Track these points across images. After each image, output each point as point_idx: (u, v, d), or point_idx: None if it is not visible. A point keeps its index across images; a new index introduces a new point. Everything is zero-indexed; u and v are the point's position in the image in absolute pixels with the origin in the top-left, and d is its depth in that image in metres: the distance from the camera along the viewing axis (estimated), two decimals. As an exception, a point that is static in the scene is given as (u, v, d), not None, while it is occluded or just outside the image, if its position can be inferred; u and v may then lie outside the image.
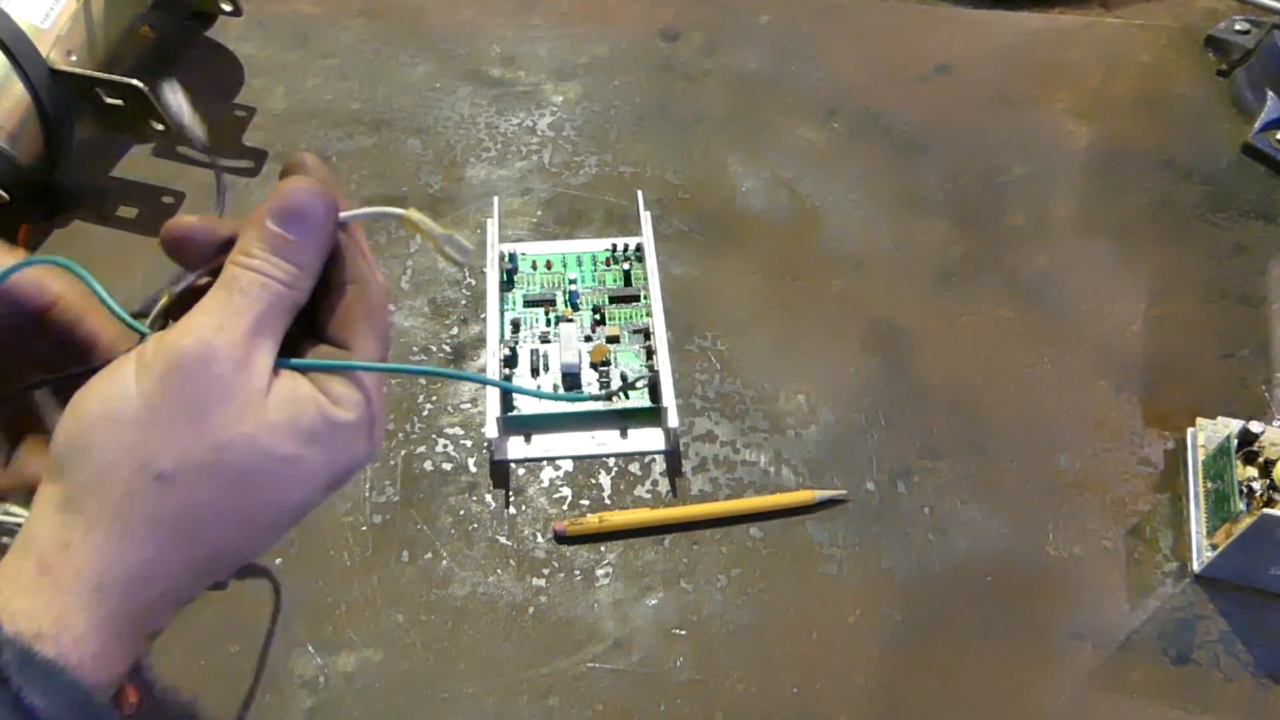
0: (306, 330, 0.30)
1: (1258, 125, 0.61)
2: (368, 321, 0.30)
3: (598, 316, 0.52)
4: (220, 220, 0.30)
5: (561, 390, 0.49)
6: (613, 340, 0.51)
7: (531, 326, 0.51)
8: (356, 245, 0.30)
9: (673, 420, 0.46)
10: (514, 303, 0.52)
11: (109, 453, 0.26)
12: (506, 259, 0.54)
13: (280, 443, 0.27)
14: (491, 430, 0.46)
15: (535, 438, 0.48)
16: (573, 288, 0.52)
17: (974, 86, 0.65)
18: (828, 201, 0.59)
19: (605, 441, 0.48)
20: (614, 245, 0.54)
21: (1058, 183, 0.60)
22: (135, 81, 0.53)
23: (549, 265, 0.54)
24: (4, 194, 0.51)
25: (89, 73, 0.54)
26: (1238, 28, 0.66)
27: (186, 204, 0.57)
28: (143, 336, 0.29)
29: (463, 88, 0.64)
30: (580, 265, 0.54)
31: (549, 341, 0.51)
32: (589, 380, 0.49)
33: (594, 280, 0.53)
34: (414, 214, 0.30)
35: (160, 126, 0.55)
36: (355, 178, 0.59)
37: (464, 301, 0.54)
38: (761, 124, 0.63)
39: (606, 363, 0.50)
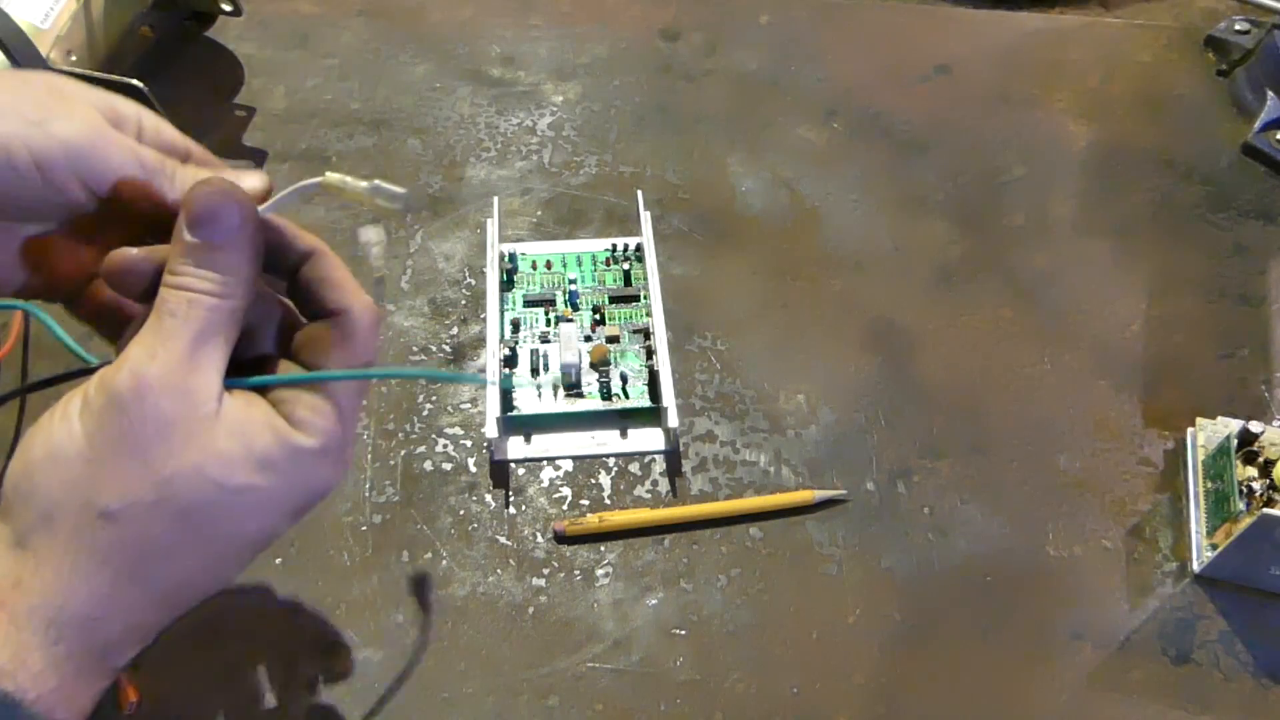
0: (283, 353, 0.29)
1: (1258, 125, 0.61)
2: (345, 349, 0.29)
3: (598, 316, 0.52)
4: (163, 248, 0.29)
5: (562, 391, 0.49)
6: (613, 340, 0.51)
7: (531, 326, 0.51)
8: (332, 265, 0.29)
9: (673, 420, 0.46)
10: (514, 303, 0.52)
11: (54, 492, 0.26)
12: (506, 259, 0.54)
13: (232, 472, 0.26)
14: (491, 430, 0.46)
15: (535, 438, 0.48)
16: (572, 288, 0.52)
17: (974, 86, 0.65)
18: (828, 201, 0.59)
19: (605, 441, 0.48)
20: (614, 245, 0.54)
21: (1058, 183, 0.60)
22: (135, 81, 0.53)
23: (549, 265, 0.54)
24: (4, 194, 0.51)
25: (89, 73, 0.54)
26: (1238, 28, 0.66)
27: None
28: (92, 370, 0.28)
29: (463, 88, 0.64)
30: (580, 265, 0.54)
31: (549, 341, 0.51)
32: (589, 381, 0.49)
33: (594, 280, 0.53)
34: (331, 177, 0.29)
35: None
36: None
37: (464, 301, 0.54)
38: (761, 124, 0.63)
39: (606, 363, 0.50)
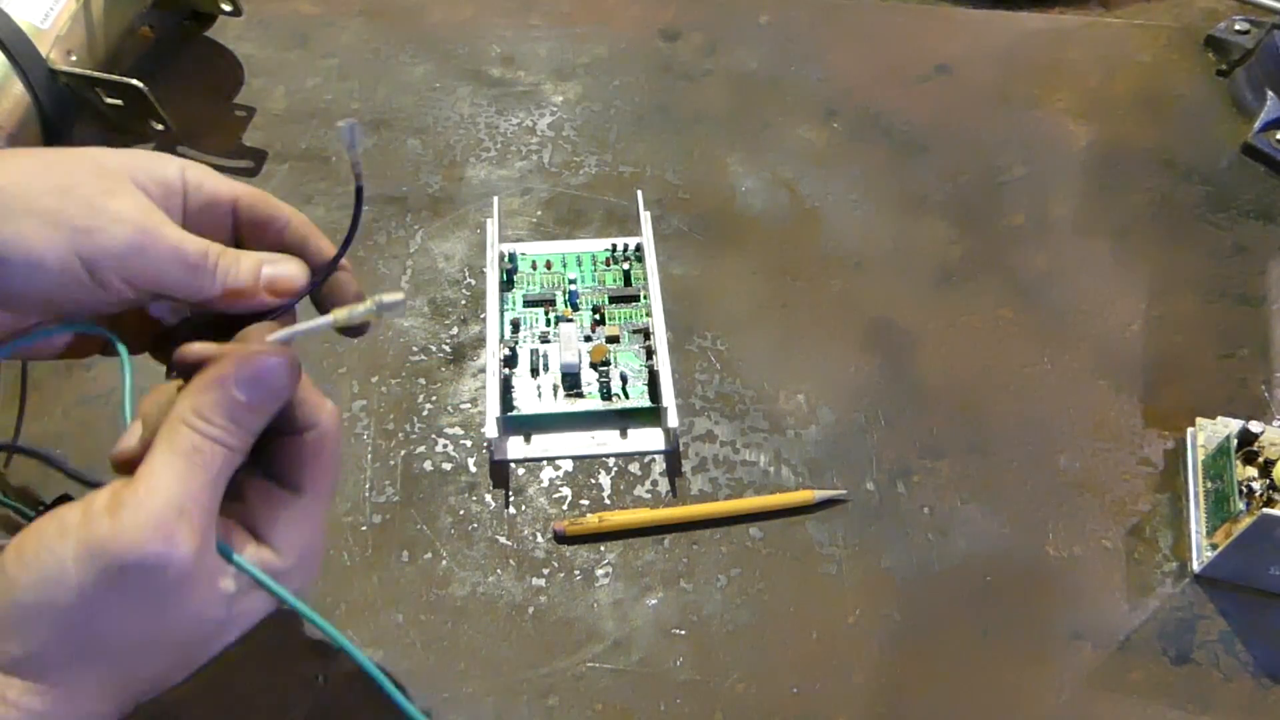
0: (251, 462, 0.29)
1: (1258, 125, 0.61)
2: (320, 467, 0.29)
3: (597, 316, 0.52)
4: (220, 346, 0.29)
5: (562, 391, 0.49)
6: (612, 340, 0.51)
7: (531, 326, 0.51)
8: (302, 385, 0.29)
9: (672, 420, 0.46)
10: (514, 303, 0.52)
11: (45, 633, 0.25)
12: (506, 259, 0.54)
13: (226, 607, 0.27)
14: (491, 430, 0.46)
15: (535, 438, 0.48)
16: (572, 288, 0.52)
17: (974, 86, 0.65)
18: (828, 201, 0.59)
19: (605, 441, 0.48)
20: (614, 245, 0.54)
21: (1058, 183, 0.60)
22: (135, 81, 0.53)
23: (549, 265, 0.54)
24: (4, 194, 0.51)
25: (89, 73, 0.54)
26: (1238, 28, 0.66)
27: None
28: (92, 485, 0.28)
29: (463, 88, 0.64)
30: (580, 265, 0.54)
31: (549, 341, 0.51)
32: (589, 380, 0.49)
33: (594, 280, 0.53)
34: (339, 313, 0.30)
35: (160, 126, 0.55)
36: (355, 178, 0.59)
37: (464, 301, 0.54)
38: (761, 124, 0.63)
39: (606, 363, 0.50)
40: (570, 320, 0.51)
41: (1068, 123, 0.63)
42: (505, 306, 0.52)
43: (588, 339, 0.51)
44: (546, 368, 0.50)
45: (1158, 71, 0.66)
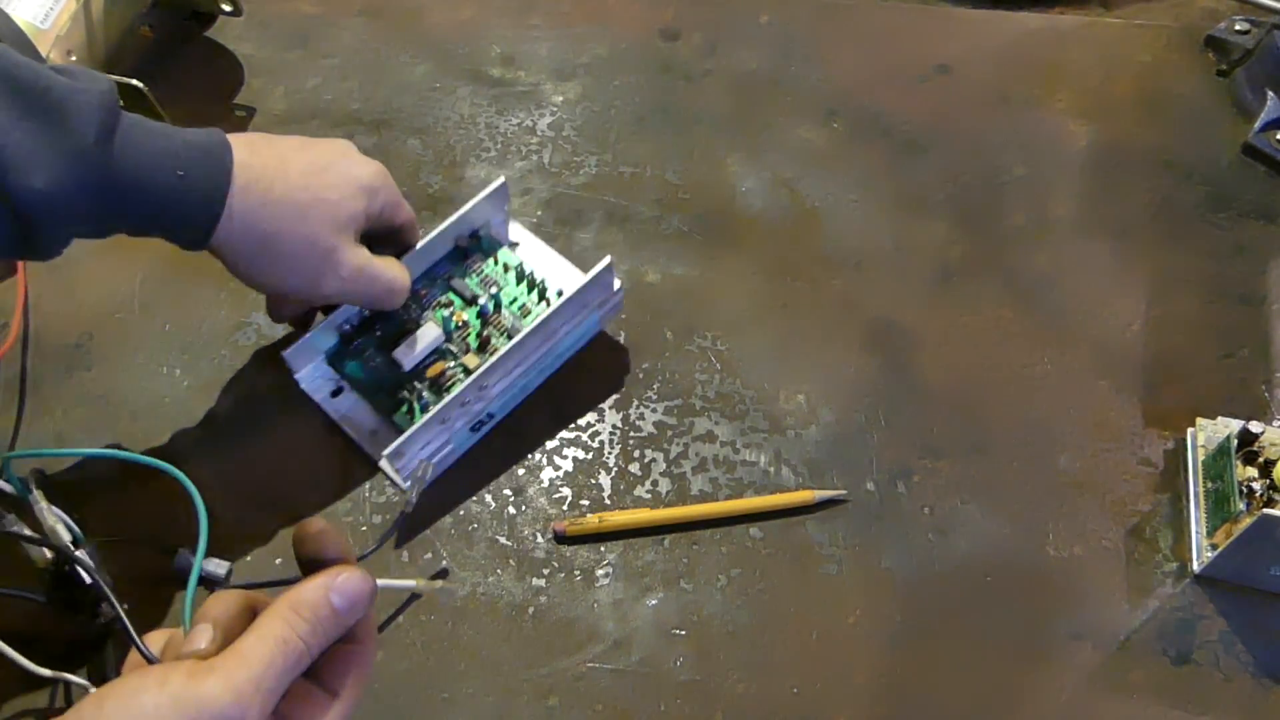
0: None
1: (1258, 125, 0.61)
2: (357, 677, 0.32)
3: (479, 343, 0.49)
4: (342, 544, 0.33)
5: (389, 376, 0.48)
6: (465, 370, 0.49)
7: (433, 307, 0.50)
8: (371, 613, 0.33)
9: (392, 473, 0.46)
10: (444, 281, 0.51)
11: None
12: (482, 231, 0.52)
13: None
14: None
15: (345, 394, 0.49)
16: (482, 304, 0.50)
17: (974, 86, 0.65)
18: (828, 201, 0.59)
19: (382, 442, 0.46)
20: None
21: (1058, 183, 0.60)
22: (135, 82, 0.53)
23: (505, 269, 0.52)
24: (4, 194, 0.51)
25: (89, 73, 0.54)
26: (1238, 28, 0.66)
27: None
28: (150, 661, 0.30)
29: (463, 88, 0.64)
30: (512, 300, 0.51)
31: (409, 334, 0.49)
32: (411, 388, 0.48)
33: (512, 308, 0.51)
34: (421, 584, 0.41)
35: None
36: (355, 178, 0.59)
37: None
38: (761, 124, 0.63)
39: (439, 381, 0.48)
40: (439, 330, 0.49)
41: (1068, 123, 0.63)
42: (443, 272, 0.51)
43: (447, 354, 0.49)
44: (394, 345, 0.49)
45: (1158, 71, 0.66)
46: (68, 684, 0.35)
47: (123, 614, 0.32)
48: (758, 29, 0.68)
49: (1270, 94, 0.62)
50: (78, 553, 0.35)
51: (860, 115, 0.63)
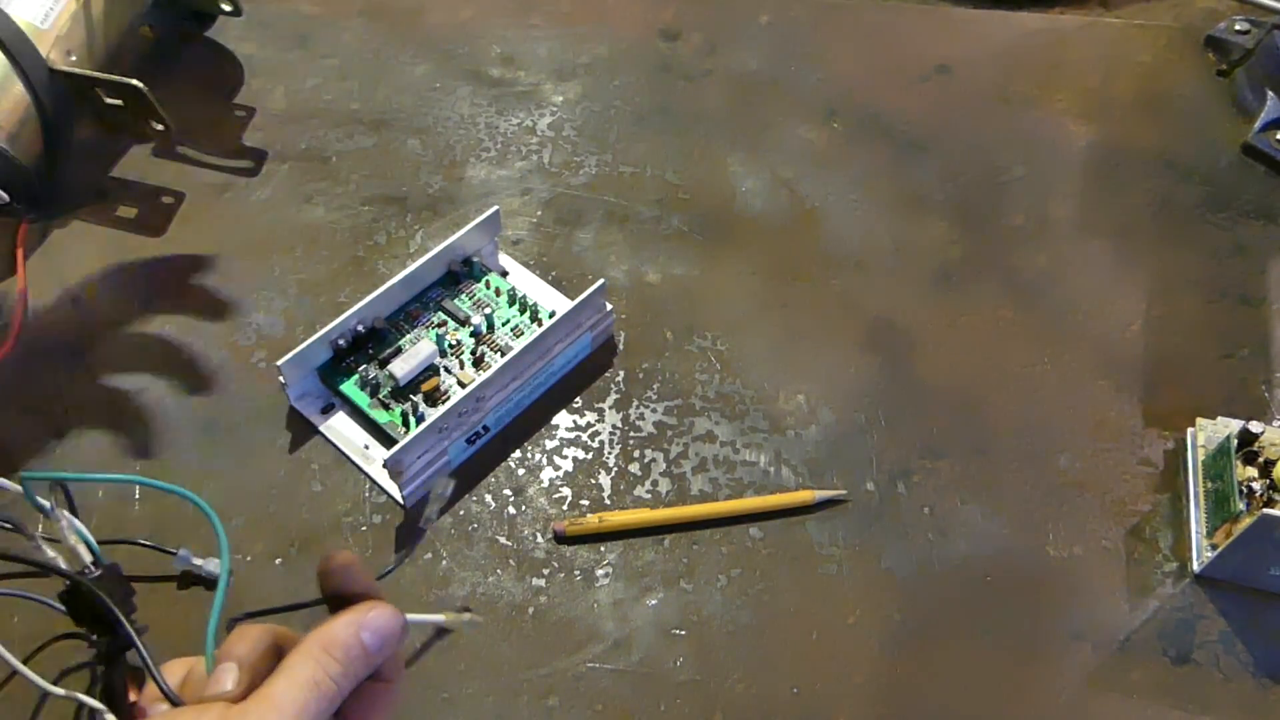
0: None
1: (1258, 125, 0.61)
2: (386, 716, 0.31)
3: (475, 360, 0.50)
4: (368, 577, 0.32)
5: (384, 391, 0.48)
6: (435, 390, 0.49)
7: (426, 326, 0.51)
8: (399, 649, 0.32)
9: (390, 478, 0.45)
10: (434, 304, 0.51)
11: None
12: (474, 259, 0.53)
13: None
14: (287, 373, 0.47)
15: (338, 414, 0.49)
16: (475, 325, 0.51)
17: (974, 86, 0.65)
18: (828, 201, 0.59)
19: (373, 458, 0.48)
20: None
21: (1058, 183, 0.60)
22: (135, 81, 0.53)
23: (498, 293, 0.52)
24: (4, 194, 0.51)
25: (89, 73, 0.54)
26: (1238, 28, 0.66)
27: (186, 204, 0.57)
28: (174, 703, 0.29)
29: (463, 88, 0.64)
30: (508, 319, 0.51)
31: (403, 350, 0.49)
32: (408, 401, 0.48)
33: (509, 330, 0.51)
34: (450, 619, 0.38)
35: (160, 126, 0.55)
36: (355, 178, 0.59)
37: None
38: (761, 124, 0.63)
39: (434, 395, 0.48)
40: (433, 345, 0.49)
41: (1068, 123, 0.63)
42: (429, 295, 0.51)
43: (439, 370, 0.49)
44: (386, 362, 0.49)
45: (1158, 71, 0.66)
46: (80, 704, 0.34)
47: (141, 648, 0.31)
48: (758, 29, 0.68)
49: (1270, 94, 0.62)
50: (96, 572, 0.34)
51: (860, 115, 0.63)
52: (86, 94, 0.55)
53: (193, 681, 0.30)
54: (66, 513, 0.34)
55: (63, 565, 0.34)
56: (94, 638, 0.34)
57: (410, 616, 0.32)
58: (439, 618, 0.39)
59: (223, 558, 0.32)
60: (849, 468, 0.48)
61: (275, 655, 0.30)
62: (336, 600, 0.31)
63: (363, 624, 0.30)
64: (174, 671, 0.31)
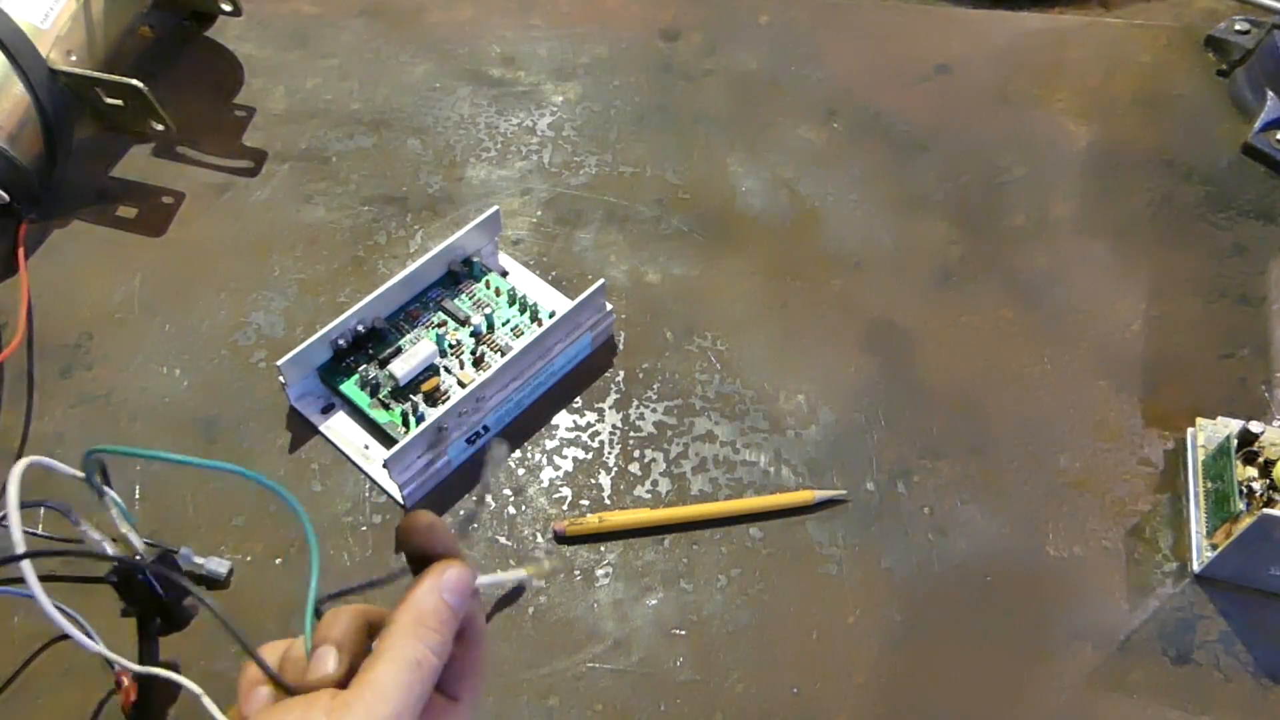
0: None
1: (1258, 125, 0.61)
2: (476, 679, 0.31)
3: (475, 360, 0.50)
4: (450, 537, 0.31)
5: (384, 391, 0.48)
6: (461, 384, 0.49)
7: (426, 327, 0.51)
8: (479, 607, 0.32)
9: (385, 475, 0.45)
10: (434, 305, 0.51)
11: None
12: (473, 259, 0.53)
13: None
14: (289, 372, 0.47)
15: (338, 414, 0.49)
16: (475, 325, 0.51)
17: (974, 86, 0.65)
18: (828, 201, 0.59)
19: (372, 458, 0.48)
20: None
21: (1058, 183, 0.60)
22: (135, 82, 0.53)
23: (498, 293, 0.52)
24: (4, 194, 0.51)
25: (89, 73, 0.54)
26: (1238, 28, 0.66)
27: (186, 204, 0.57)
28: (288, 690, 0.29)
29: (463, 88, 0.64)
30: (508, 318, 0.51)
31: (403, 350, 0.49)
32: (408, 400, 0.48)
33: (509, 330, 0.51)
34: (531, 571, 0.40)
35: (160, 126, 0.55)
36: (355, 178, 0.59)
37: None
38: (761, 124, 0.63)
39: (434, 395, 0.48)
40: (433, 346, 0.49)
41: (1068, 123, 0.63)
42: (429, 294, 0.51)
43: (439, 370, 0.49)
44: (386, 362, 0.49)
45: (1158, 71, 0.66)
46: (165, 680, 0.33)
47: (238, 632, 0.30)
48: (758, 29, 0.68)
49: (1270, 94, 0.62)
50: (150, 558, 0.34)
51: (860, 115, 0.63)
52: (86, 94, 0.55)
53: (291, 662, 0.30)
54: (114, 494, 0.34)
55: (110, 550, 0.34)
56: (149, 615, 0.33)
57: (488, 578, 0.31)
58: (520, 574, 0.38)
59: (311, 542, 0.31)
60: (849, 468, 0.48)
61: (368, 633, 0.30)
62: (418, 559, 0.31)
63: (443, 586, 0.29)
64: (270, 652, 0.30)
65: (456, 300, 0.52)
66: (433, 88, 0.64)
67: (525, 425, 0.49)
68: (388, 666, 0.28)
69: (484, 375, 0.46)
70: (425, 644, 0.28)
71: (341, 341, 0.49)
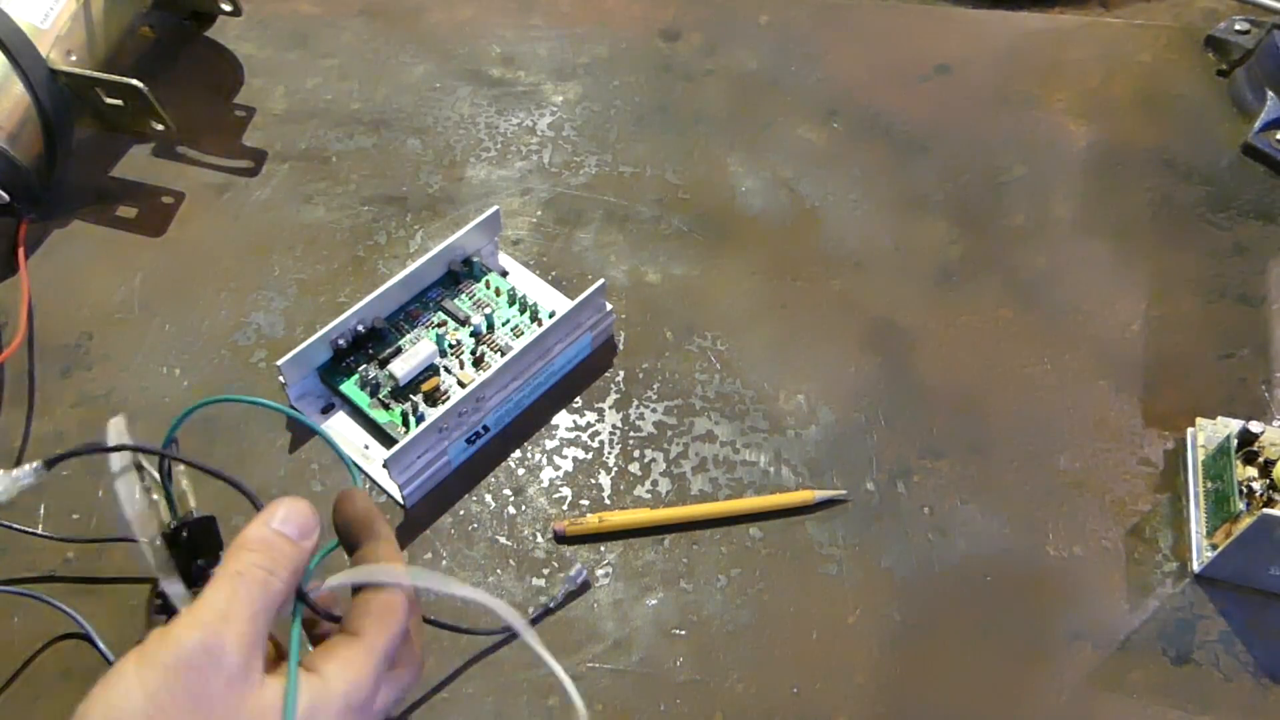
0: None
1: (1258, 125, 0.61)
2: (383, 619, 0.31)
3: (475, 360, 0.50)
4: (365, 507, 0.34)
5: (384, 391, 0.48)
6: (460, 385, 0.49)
7: (426, 326, 0.51)
8: (389, 550, 0.33)
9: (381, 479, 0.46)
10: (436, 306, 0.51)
11: None
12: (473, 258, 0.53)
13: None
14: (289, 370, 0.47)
15: (338, 414, 0.49)
16: (475, 325, 0.51)
17: (974, 86, 0.65)
18: (828, 201, 0.59)
19: (372, 458, 0.48)
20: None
21: (1058, 183, 0.60)
22: (135, 81, 0.53)
23: (498, 292, 0.52)
24: (4, 194, 0.51)
25: (89, 73, 0.54)
26: (1238, 28, 0.66)
27: (186, 204, 0.57)
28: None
29: (463, 88, 0.64)
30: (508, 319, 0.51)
31: (403, 350, 0.49)
32: (408, 400, 0.48)
33: (509, 330, 0.51)
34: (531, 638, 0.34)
35: (160, 126, 0.55)
36: (355, 178, 0.59)
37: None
38: (761, 124, 0.63)
39: (434, 395, 0.48)
40: (438, 347, 0.49)
41: (1068, 123, 0.63)
42: (429, 295, 0.51)
43: (439, 370, 0.49)
44: (386, 363, 0.49)
45: (1158, 71, 0.66)
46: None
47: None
48: (758, 29, 0.68)
49: (1270, 94, 0.62)
50: (193, 517, 0.34)
51: (860, 115, 0.63)
52: (86, 94, 0.55)
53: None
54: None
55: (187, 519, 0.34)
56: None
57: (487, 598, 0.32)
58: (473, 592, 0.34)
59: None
60: (849, 468, 0.48)
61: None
62: (347, 540, 0.33)
63: (270, 517, 0.31)
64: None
65: (456, 300, 0.52)
66: (433, 88, 0.64)
67: (525, 425, 0.49)
68: (211, 583, 0.29)
69: (484, 375, 0.46)
70: (247, 561, 0.30)
71: (341, 341, 0.49)
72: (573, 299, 0.49)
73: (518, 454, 0.48)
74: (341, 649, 0.30)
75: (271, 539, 0.30)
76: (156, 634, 0.28)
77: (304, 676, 0.29)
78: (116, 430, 0.32)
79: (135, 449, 0.33)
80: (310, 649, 0.31)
